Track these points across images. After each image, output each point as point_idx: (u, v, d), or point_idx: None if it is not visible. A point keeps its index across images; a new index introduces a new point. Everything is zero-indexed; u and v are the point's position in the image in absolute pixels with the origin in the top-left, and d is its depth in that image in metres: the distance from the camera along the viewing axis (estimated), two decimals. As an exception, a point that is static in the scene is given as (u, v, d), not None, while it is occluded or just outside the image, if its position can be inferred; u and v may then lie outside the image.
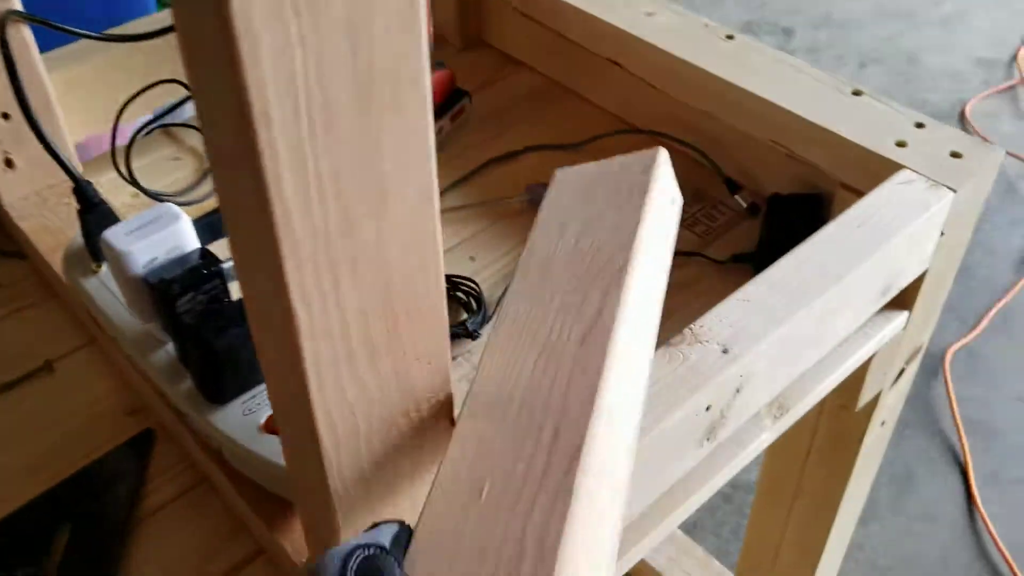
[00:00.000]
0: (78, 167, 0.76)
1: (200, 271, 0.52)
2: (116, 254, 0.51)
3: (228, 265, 0.54)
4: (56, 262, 0.68)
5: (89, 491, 0.57)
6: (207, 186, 0.79)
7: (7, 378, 0.64)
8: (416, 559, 0.32)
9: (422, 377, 0.38)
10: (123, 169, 0.77)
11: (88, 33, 0.70)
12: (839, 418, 0.78)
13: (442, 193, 0.78)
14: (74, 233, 0.69)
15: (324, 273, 0.32)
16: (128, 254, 0.51)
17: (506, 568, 0.30)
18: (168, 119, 0.85)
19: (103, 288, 0.61)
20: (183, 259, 0.53)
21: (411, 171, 0.34)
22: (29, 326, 0.69)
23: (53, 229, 0.71)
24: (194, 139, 0.84)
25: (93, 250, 0.62)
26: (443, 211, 0.73)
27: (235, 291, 0.55)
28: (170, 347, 0.56)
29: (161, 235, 0.52)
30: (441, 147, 0.82)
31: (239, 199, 0.31)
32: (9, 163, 0.71)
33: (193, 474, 0.58)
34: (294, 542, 0.50)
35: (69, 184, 0.73)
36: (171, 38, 0.77)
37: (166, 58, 0.80)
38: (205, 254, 0.53)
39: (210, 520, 0.55)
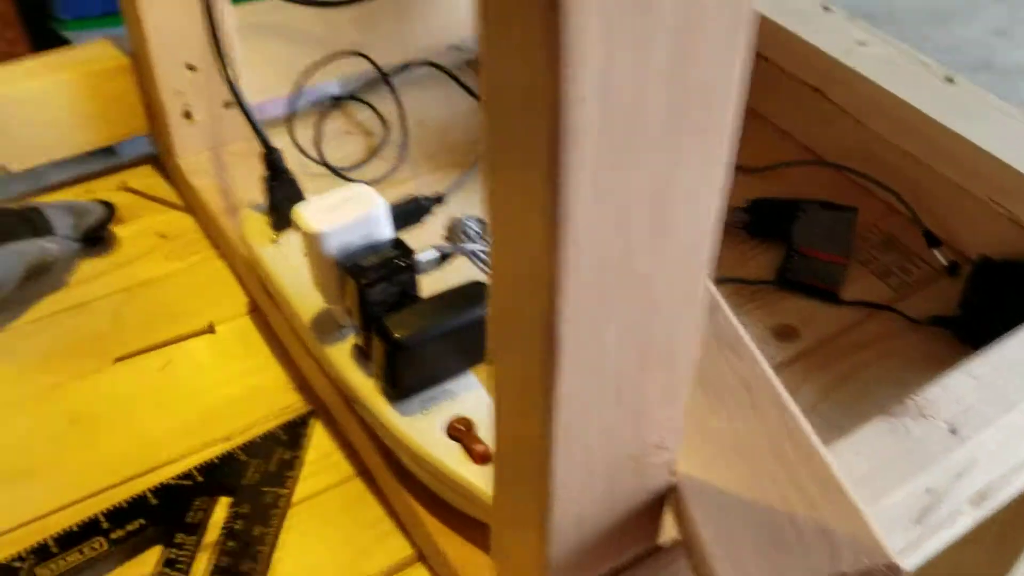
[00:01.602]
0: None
1: (394, 262, 0.50)
2: (311, 232, 0.50)
3: (422, 258, 0.52)
4: (227, 224, 0.67)
5: (246, 467, 0.56)
6: (377, 165, 0.77)
7: (169, 335, 0.64)
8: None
9: (657, 421, 0.35)
10: (297, 138, 0.76)
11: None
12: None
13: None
14: (247, 196, 0.68)
15: (595, 302, 0.30)
16: (324, 235, 0.50)
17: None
18: (341, 91, 0.84)
19: (281, 259, 0.60)
20: (376, 246, 0.51)
21: (699, 205, 0.31)
22: (192, 284, 0.68)
23: (225, 190, 0.70)
24: (364, 113, 0.83)
25: (275, 219, 0.61)
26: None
27: (425, 285, 0.53)
28: (348, 331, 0.54)
29: (357, 218, 0.50)
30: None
31: (518, 205, 0.29)
32: (187, 115, 0.71)
33: (353, 463, 0.56)
34: (460, 552, 0.48)
35: (245, 145, 0.73)
36: (354, 7, 0.75)
37: (346, 28, 0.79)
38: (399, 244, 0.51)
39: (367, 515, 0.53)
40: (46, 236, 0.64)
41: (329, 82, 0.82)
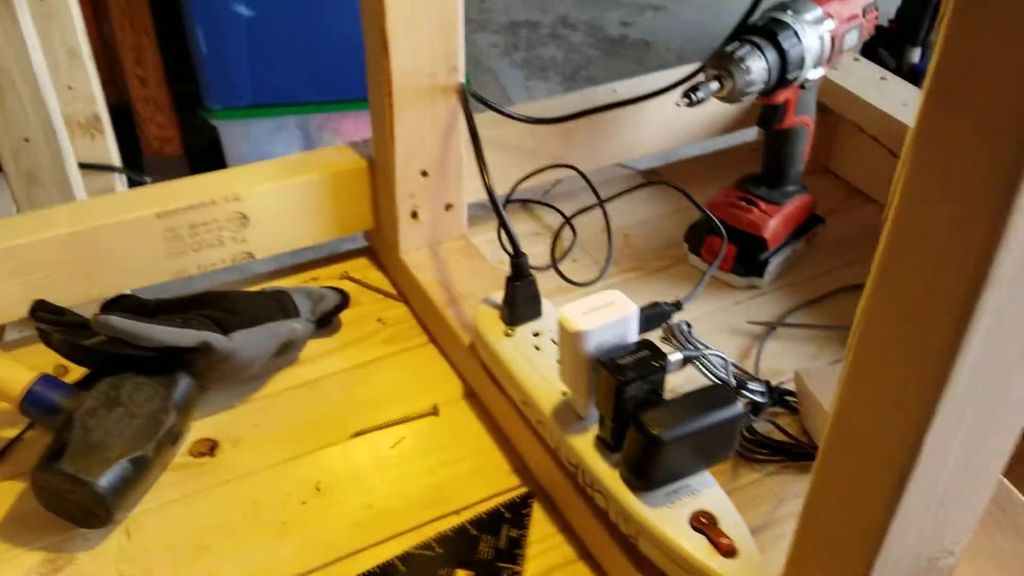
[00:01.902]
0: (463, 226, 0.82)
1: (649, 362, 0.55)
2: (575, 331, 0.55)
3: (670, 360, 0.57)
4: (448, 315, 0.74)
5: (477, 541, 0.61)
6: (570, 267, 0.83)
7: (398, 414, 0.70)
8: None
9: (958, 526, 0.39)
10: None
11: (510, 112, 0.77)
12: None
13: (789, 312, 0.80)
14: (464, 290, 0.75)
15: (960, 415, 0.33)
16: (587, 334, 0.55)
17: None
18: (533, 196, 0.91)
19: (514, 351, 0.65)
20: (626, 346, 0.57)
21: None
22: (412, 367, 0.75)
23: (445, 283, 0.77)
24: (551, 217, 0.90)
25: (509, 314, 0.67)
26: (785, 326, 0.75)
27: (670, 384, 0.57)
28: (589, 422, 0.59)
29: (614, 321, 0.56)
30: (791, 268, 0.84)
31: (909, 343, 0.33)
32: (414, 215, 0.78)
33: (575, 546, 0.61)
34: (702, 642, 0.51)
35: (458, 243, 0.80)
36: (559, 125, 0.82)
37: (550, 142, 0.87)
38: (651, 346, 0.57)
39: (599, 598, 0.57)
40: (294, 318, 0.71)
41: (533, 188, 0.90)
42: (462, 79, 0.74)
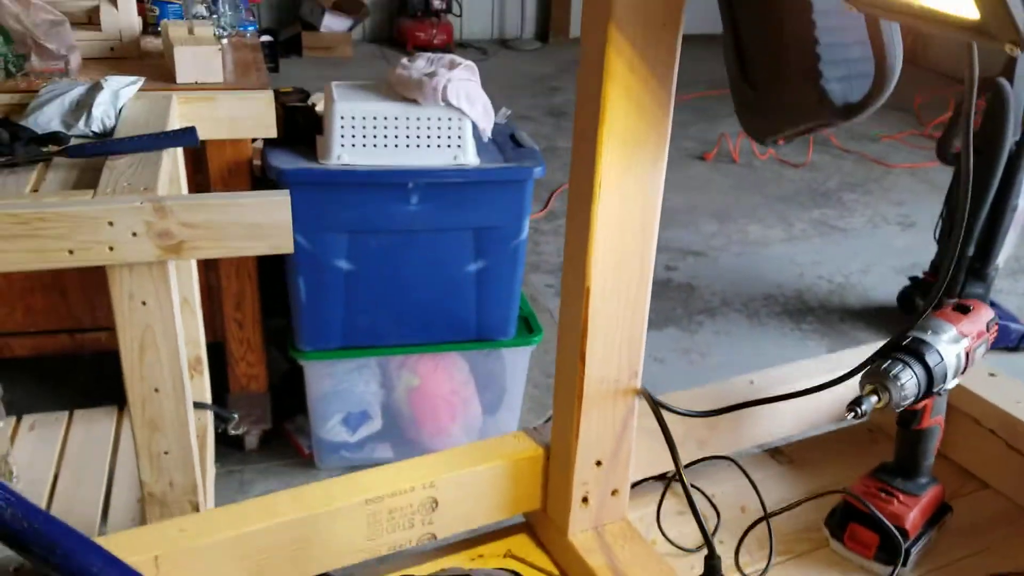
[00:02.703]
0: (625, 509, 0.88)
1: None
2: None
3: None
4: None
5: None
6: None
7: None
8: None
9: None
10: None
11: (669, 406, 0.84)
12: None
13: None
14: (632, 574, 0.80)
15: None
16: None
17: None
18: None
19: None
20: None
21: None
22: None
23: (614, 567, 0.82)
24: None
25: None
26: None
27: None
28: None
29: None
30: (927, 555, 0.89)
31: None
32: (585, 500, 0.84)
33: None
34: None
35: (619, 526, 0.85)
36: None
37: (697, 428, 0.94)
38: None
39: None
40: (485, 605, 0.76)
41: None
42: (639, 383, 0.82)
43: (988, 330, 0.87)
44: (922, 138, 3.67)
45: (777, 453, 1.04)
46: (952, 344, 0.82)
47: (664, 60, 0.66)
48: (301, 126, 1.54)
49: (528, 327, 1.76)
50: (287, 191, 1.02)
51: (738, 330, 2.33)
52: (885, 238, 2.77)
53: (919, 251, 2.59)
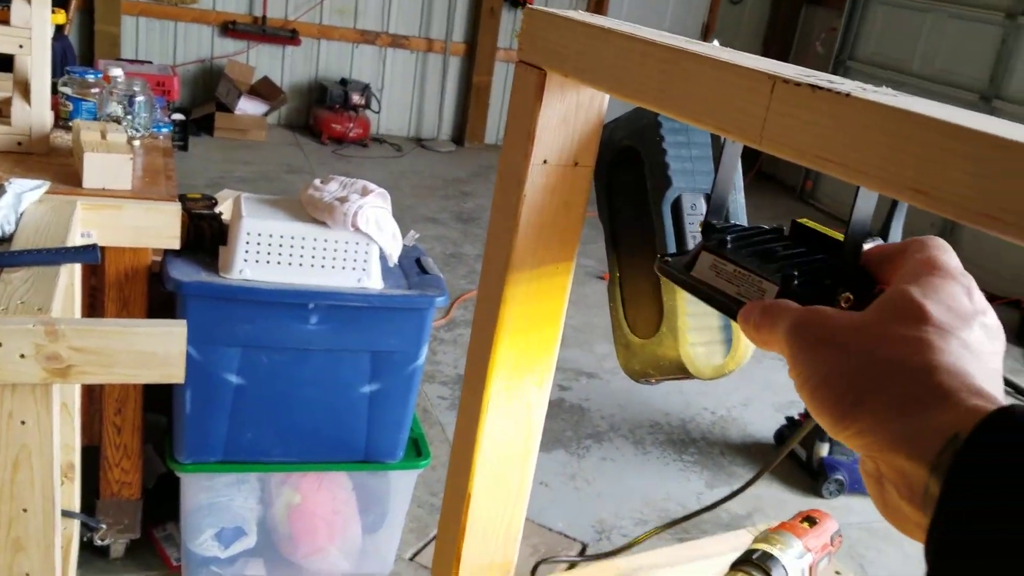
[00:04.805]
0: None
1: None
2: None
3: None
4: None
5: None
6: None
7: None
8: None
9: None
10: None
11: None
12: None
13: None
14: None
15: None
16: None
17: None
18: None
19: None
20: None
21: None
22: None
23: None
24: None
25: None
26: None
27: None
28: None
29: None
30: None
31: None
32: None
33: None
34: None
35: None
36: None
37: None
38: None
39: None
40: None
41: None
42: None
43: (832, 543, 0.93)
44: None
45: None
46: (797, 560, 0.88)
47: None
48: (206, 235, 1.54)
49: (417, 450, 1.76)
50: (184, 322, 1.01)
51: (623, 457, 2.38)
52: (767, 373, 2.90)
53: (797, 390, 2.72)
